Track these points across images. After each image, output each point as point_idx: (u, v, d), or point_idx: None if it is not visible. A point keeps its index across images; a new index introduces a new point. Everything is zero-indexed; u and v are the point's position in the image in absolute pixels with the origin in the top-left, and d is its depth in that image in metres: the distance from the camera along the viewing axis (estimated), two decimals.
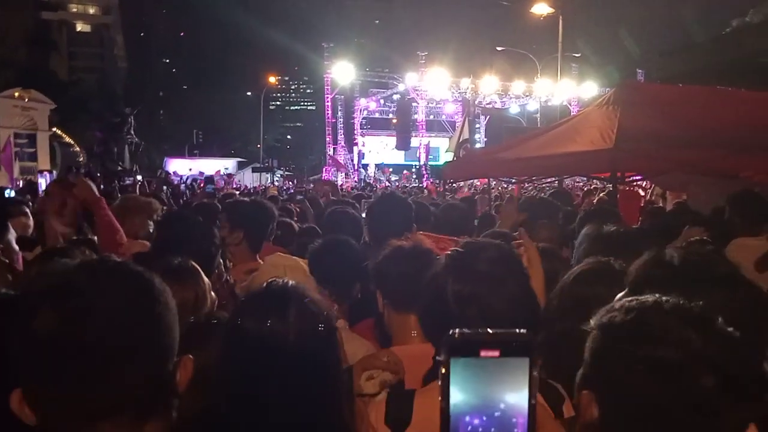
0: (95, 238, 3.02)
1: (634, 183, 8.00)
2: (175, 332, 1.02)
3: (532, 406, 0.62)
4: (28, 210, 3.88)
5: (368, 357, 1.66)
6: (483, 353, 0.62)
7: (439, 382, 0.62)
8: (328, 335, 1.30)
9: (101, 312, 0.91)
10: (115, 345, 0.91)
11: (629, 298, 1.06)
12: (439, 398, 0.62)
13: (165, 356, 1.00)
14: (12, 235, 2.33)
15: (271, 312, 1.25)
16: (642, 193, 8.67)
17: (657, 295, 1.03)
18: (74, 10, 73.27)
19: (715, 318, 0.97)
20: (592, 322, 1.06)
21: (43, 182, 15.57)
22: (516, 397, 0.62)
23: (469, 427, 0.62)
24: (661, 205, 7.57)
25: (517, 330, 0.64)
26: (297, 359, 1.22)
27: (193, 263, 1.95)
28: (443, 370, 0.62)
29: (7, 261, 2.23)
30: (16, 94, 26.50)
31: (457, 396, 0.62)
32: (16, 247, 2.33)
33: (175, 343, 1.02)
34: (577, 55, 35.44)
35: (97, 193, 2.87)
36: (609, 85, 29.74)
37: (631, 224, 4.53)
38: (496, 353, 0.62)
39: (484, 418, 0.62)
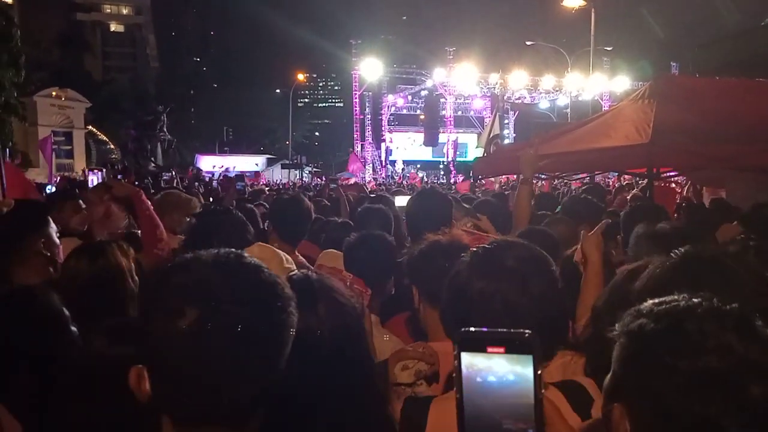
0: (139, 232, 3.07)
1: (669, 179, 7.82)
2: (288, 347, 1.00)
3: (538, 401, 0.68)
4: (80, 202, 3.96)
5: (404, 348, 1.66)
6: (489, 349, 0.69)
7: (454, 374, 0.70)
8: (357, 328, 1.28)
9: (236, 317, 0.90)
10: (242, 358, 0.91)
11: (656, 301, 0.98)
12: (454, 389, 0.70)
13: (279, 368, 0.98)
14: (53, 229, 2.39)
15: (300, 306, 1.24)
16: (677, 189, 8.47)
17: (685, 296, 0.96)
18: (108, 10, 74.84)
19: (753, 318, 0.91)
20: (617, 327, 0.98)
21: (94, 179, 16.03)
22: (523, 392, 0.68)
23: (481, 417, 0.69)
24: (696, 201, 7.39)
25: (522, 330, 0.72)
26: (327, 354, 1.20)
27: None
28: (456, 363, 0.70)
29: (49, 254, 2.28)
30: (54, 93, 27.25)
31: (470, 388, 0.69)
32: (58, 241, 2.39)
33: (287, 349, 1.00)
34: (609, 48, 34.79)
35: (135, 188, 2.93)
36: (642, 79, 29.16)
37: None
38: (501, 350, 0.69)
39: (493, 410, 0.69)
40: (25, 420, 1.36)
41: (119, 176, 15.35)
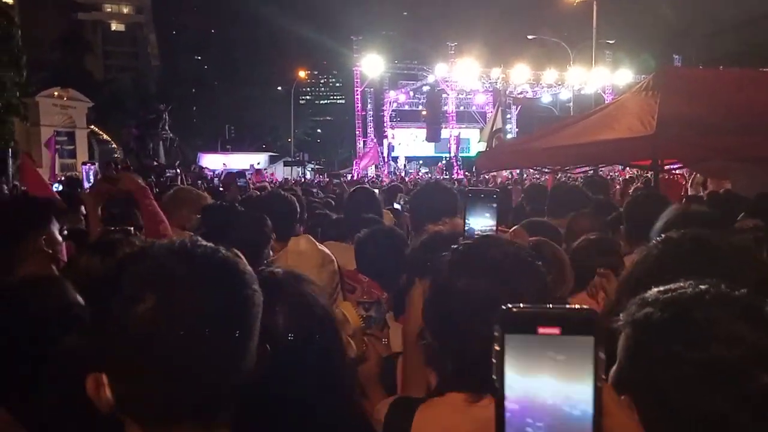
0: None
1: (673, 172, 7.78)
2: (257, 329, 0.95)
3: (597, 390, 0.57)
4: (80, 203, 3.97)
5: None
6: (541, 330, 0.57)
7: (494, 360, 0.58)
8: (322, 328, 1.23)
9: (200, 305, 0.86)
10: (208, 343, 0.86)
11: (662, 289, 0.95)
12: (494, 377, 0.58)
13: (250, 355, 0.94)
14: (55, 226, 2.37)
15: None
16: (682, 182, 8.44)
17: (691, 283, 0.92)
18: (108, 10, 74.85)
19: (762, 305, 0.88)
20: (622, 317, 0.95)
21: (83, 173, 15.97)
22: (579, 380, 0.57)
23: (526, 414, 0.58)
24: (701, 194, 7.35)
25: (581, 306, 0.60)
26: (288, 353, 1.14)
27: (237, 252, 1.94)
28: (497, 348, 0.58)
29: (51, 252, 2.27)
30: (56, 93, 27.27)
31: (512, 377, 0.57)
32: (60, 238, 2.38)
33: (255, 339, 0.96)
34: (611, 41, 34.65)
35: (141, 183, 2.91)
36: (645, 72, 29.01)
37: None
38: (556, 330, 0.57)
39: (543, 403, 0.57)
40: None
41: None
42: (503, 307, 0.59)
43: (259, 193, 7.56)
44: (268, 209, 3.00)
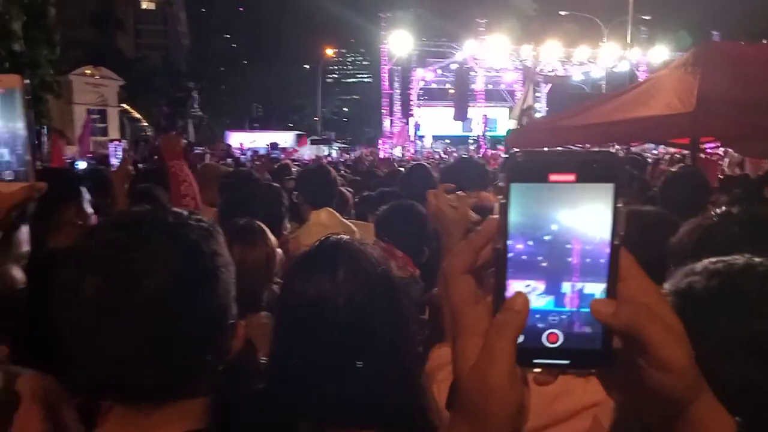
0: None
1: (709, 151, 7.56)
2: (229, 297, 0.91)
3: (615, 248, 0.49)
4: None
5: None
6: (553, 177, 0.49)
7: (497, 215, 0.50)
8: (386, 296, 1.11)
9: (148, 276, 0.81)
10: (163, 316, 0.82)
11: (713, 260, 0.89)
12: (496, 237, 0.50)
13: (214, 329, 0.89)
14: (85, 199, 2.39)
15: (317, 271, 1.09)
16: (720, 162, 8.19)
17: (747, 256, 0.86)
18: None
19: None
20: (666, 286, 0.89)
21: (111, 151, 16.20)
22: (595, 236, 0.49)
23: (533, 273, 0.50)
24: (738, 173, 7.13)
25: (601, 148, 0.52)
26: (348, 325, 1.06)
27: (259, 223, 1.94)
28: (502, 199, 0.49)
29: (81, 223, 2.29)
30: (88, 71, 27.70)
31: (518, 233, 0.49)
32: (91, 210, 2.40)
33: (229, 309, 0.92)
34: (647, 18, 33.62)
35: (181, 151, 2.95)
36: (681, 49, 28.14)
37: None
38: (571, 177, 0.48)
39: (553, 262, 0.49)
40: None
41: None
42: (509, 153, 0.52)
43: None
44: (312, 178, 3.12)
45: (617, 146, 8.70)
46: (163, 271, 0.83)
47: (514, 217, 0.49)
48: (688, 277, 0.87)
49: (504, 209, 0.49)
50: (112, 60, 35.70)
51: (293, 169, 7.47)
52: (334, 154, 31.45)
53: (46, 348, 1.40)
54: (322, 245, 1.17)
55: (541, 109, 31.06)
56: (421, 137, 36.28)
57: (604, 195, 0.49)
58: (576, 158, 0.49)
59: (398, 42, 33.65)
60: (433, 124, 38.46)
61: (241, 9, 71.20)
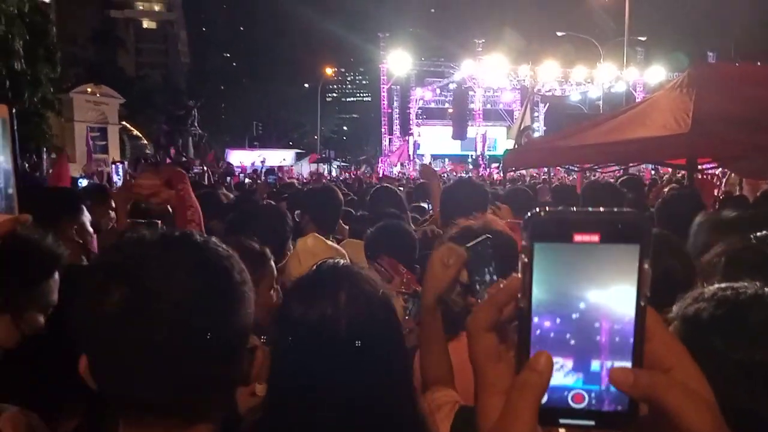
0: None
1: (707, 172, 7.59)
2: (250, 319, 0.91)
3: (641, 309, 0.48)
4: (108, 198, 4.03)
5: None
6: (577, 237, 0.48)
7: (519, 274, 0.49)
8: (385, 319, 1.14)
9: (172, 294, 0.83)
10: (182, 334, 0.83)
11: (722, 286, 0.90)
12: (519, 295, 0.50)
13: (234, 349, 0.90)
14: (86, 218, 2.40)
15: (319, 296, 1.11)
16: (716, 182, 8.21)
17: (757, 284, 0.88)
18: (140, 7, 76.18)
19: None
20: (674, 309, 0.91)
21: (113, 171, 16.23)
22: (621, 296, 0.48)
23: (554, 334, 0.49)
24: (738, 193, 7.15)
25: (626, 209, 0.49)
26: (351, 348, 1.07)
27: (263, 247, 1.95)
28: (525, 259, 0.48)
29: (81, 242, 2.30)
30: (89, 89, 27.81)
31: (541, 293, 0.48)
32: (91, 230, 2.41)
33: (248, 331, 0.93)
34: (642, 38, 33.99)
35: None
36: (677, 69, 28.41)
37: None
38: (596, 237, 0.48)
39: (576, 321, 0.48)
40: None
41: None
42: (531, 211, 0.49)
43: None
44: (321, 201, 3.12)
45: (614, 167, 8.74)
46: (189, 283, 0.84)
47: (538, 281, 0.49)
48: (696, 303, 0.88)
49: (527, 269, 0.49)
50: (112, 78, 35.90)
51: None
52: (334, 172, 31.56)
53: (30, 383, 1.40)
54: (320, 270, 1.18)
55: (539, 128, 31.26)
56: (420, 156, 36.43)
57: (630, 257, 0.48)
58: (601, 218, 0.48)
59: (397, 61, 33.96)
60: (432, 142, 38.64)
61: (241, 28, 71.86)
